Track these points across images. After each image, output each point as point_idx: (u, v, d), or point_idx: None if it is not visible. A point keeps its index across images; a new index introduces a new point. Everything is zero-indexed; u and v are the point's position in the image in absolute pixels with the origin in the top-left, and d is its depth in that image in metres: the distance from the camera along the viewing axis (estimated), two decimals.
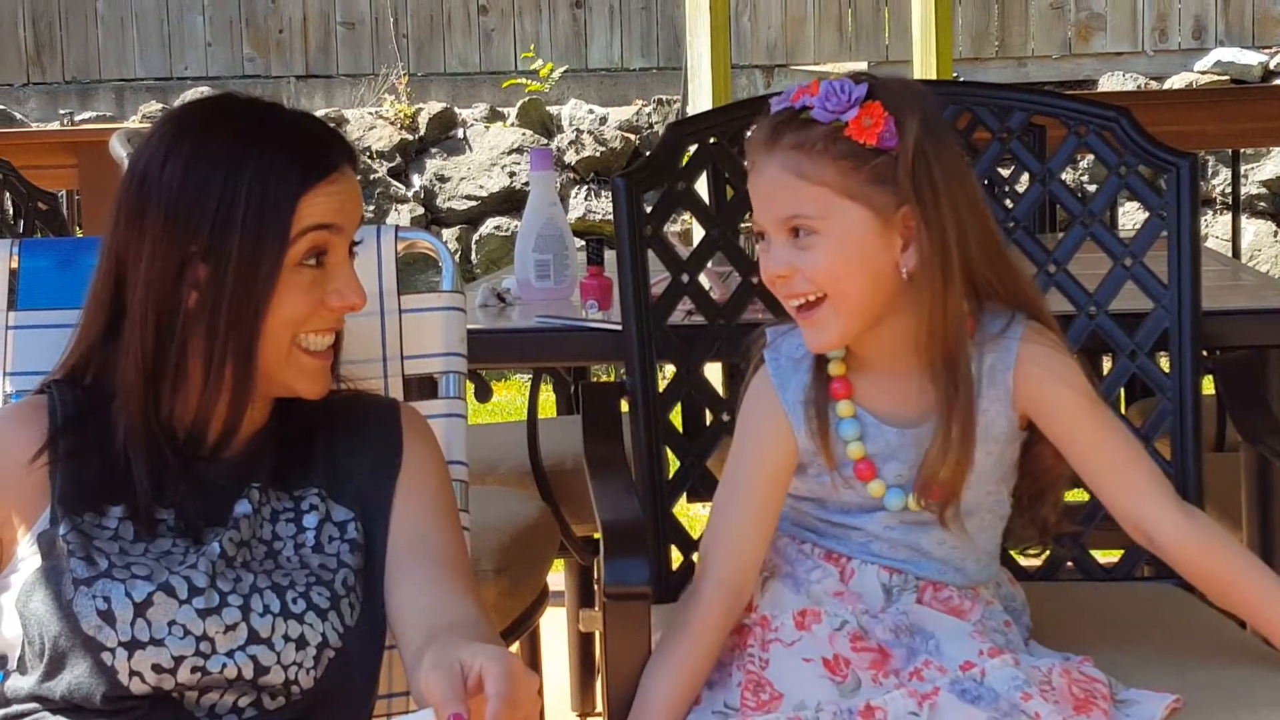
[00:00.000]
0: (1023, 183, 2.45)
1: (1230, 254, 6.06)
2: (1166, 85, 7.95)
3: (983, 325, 1.94)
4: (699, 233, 2.41)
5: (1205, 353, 2.51)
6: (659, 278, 2.41)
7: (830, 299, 1.87)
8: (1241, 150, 6.68)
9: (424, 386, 2.15)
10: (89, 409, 1.83)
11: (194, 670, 1.73)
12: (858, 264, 1.86)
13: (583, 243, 3.05)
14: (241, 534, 1.80)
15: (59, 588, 1.73)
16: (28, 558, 1.78)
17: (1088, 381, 1.97)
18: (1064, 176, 2.39)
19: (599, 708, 3.59)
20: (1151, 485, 1.95)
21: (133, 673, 1.72)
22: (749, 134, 1.94)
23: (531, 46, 8.33)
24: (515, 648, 3.12)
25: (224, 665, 1.74)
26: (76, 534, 1.75)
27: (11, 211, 3.94)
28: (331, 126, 1.88)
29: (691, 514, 4.32)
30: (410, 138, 8.02)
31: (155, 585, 1.73)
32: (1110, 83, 7.97)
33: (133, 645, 1.72)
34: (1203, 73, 7.98)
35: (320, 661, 1.77)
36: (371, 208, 7.79)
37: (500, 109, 8.15)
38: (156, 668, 1.72)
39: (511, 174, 7.86)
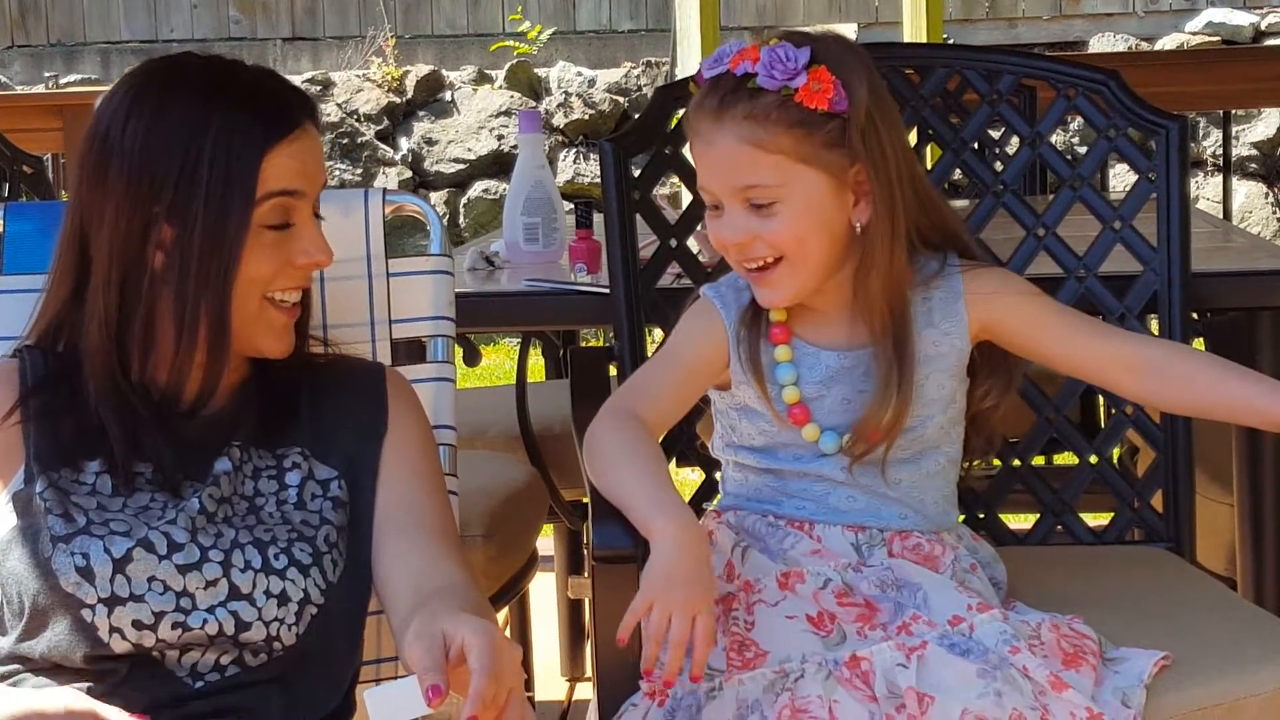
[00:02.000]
0: (1012, 145, 2.44)
1: (1221, 215, 6.06)
2: (1157, 46, 7.94)
3: (919, 269, 2.01)
4: (687, 196, 2.40)
5: (1195, 315, 2.50)
6: (647, 241, 2.40)
7: (788, 260, 1.92)
8: (1232, 111, 6.68)
9: (412, 350, 2.15)
10: (61, 373, 1.83)
11: (174, 626, 1.73)
12: (818, 227, 1.91)
13: (571, 206, 3.04)
14: (222, 490, 1.80)
15: (36, 545, 1.73)
16: (3, 518, 1.77)
17: (1030, 283, 2.08)
18: (1056, 139, 2.39)
19: (588, 672, 3.59)
20: (1131, 334, 2.11)
21: (113, 629, 1.71)
22: (692, 102, 1.95)
23: (519, 8, 8.30)
24: (504, 613, 3.12)
25: (205, 621, 1.73)
26: (53, 490, 1.75)
27: None
28: (293, 84, 1.87)
29: (680, 478, 4.32)
30: (397, 100, 7.99)
31: (134, 541, 1.73)
32: (1101, 44, 7.96)
33: (112, 601, 1.71)
34: (1194, 34, 7.97)
35: (302, 618, 1.77)
36: (359, 171, 7.76)
37: (488, 71, 8.12)
38: (137, 624, 1.72)
39: (499, 137, 7.84)
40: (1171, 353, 2.06)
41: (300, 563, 1.78)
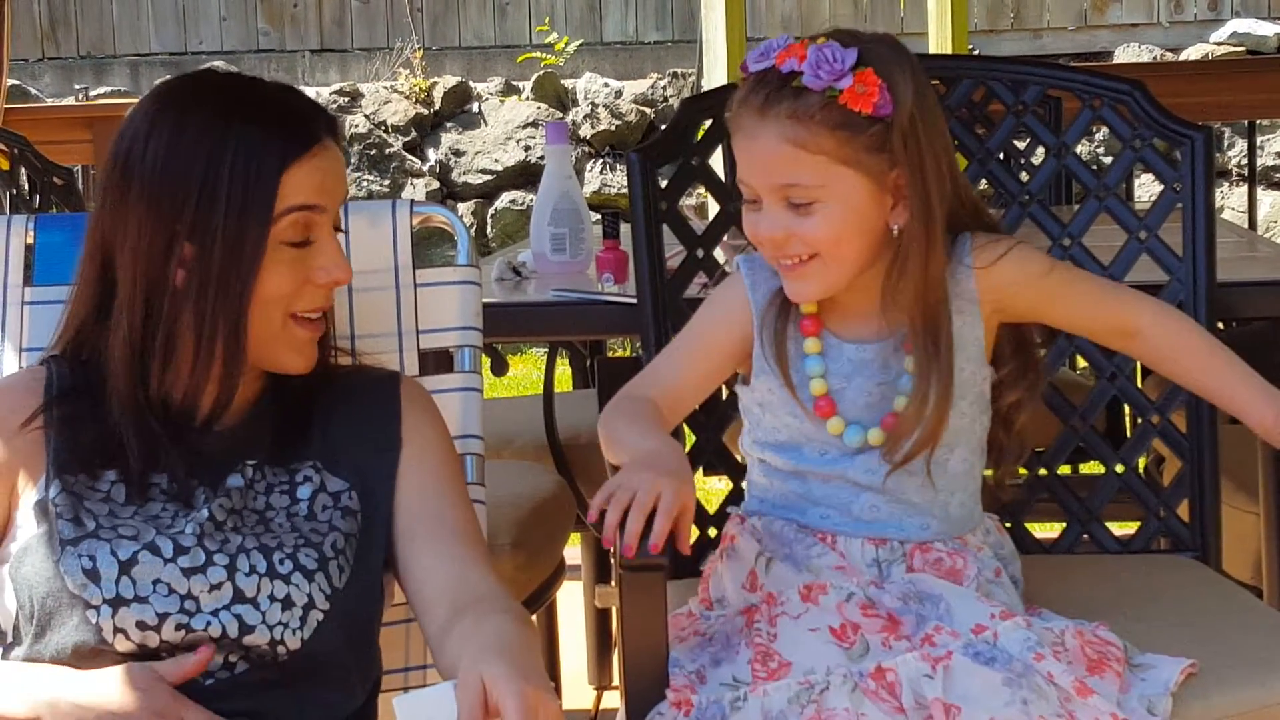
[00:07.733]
0: (1038, 155, 2.44)
1: (1246, 225, 6.05)
2: (1182, 57, 7.93)
3: None
4: (714, 206, 2.41)
5: (1220, 324, 2.51)
6: (674, 251, 2.41)
7: (822, 257, 1.92)
8: (1258, 121, 6.66)
9: (440, 360, 2.16)
10: (85, 383, 1.85)
11: (178, 628, 1.74)
12: (855, 228, 1.91)
13: (598, 216, 3.05)
14: (233, 503, 1.81)
15: (48, 549, 1.75)
16: (25, 525, 1.80)
17: (1040, 251, 2.08)
18: (1081, 149, 2.40)
19: (615, 681, 3.60)
20: (1130, 298, 2.08)
21: (117, 629, 1.73)
22: (736, 96, 1.95)
23: (546, 20, 8.32)
24: (531, 621, 3.12)
25: (208, 624, 1.75)
26: (66, 495, 1.77)
27: (27, 187, 3.95)
28: (312, 100, 1.88)
29: (707, 488, 4.33)
30: (425, 112, 8.01)
31: (141, 545, 1.75)
32: (1126, 54, 7.95)
33: (117, 602, 1.73)
34: (1219, 44, 7.96)
35: (307, 622, 1.77)
36: (387, 182, 7.79)
37: (515, 83, 8.15)
38: (140, 625, 1.73)
39: (527, 148, 7.86)
40: (1165, 324, 2.06)
41: (305, 568, 1.79)
